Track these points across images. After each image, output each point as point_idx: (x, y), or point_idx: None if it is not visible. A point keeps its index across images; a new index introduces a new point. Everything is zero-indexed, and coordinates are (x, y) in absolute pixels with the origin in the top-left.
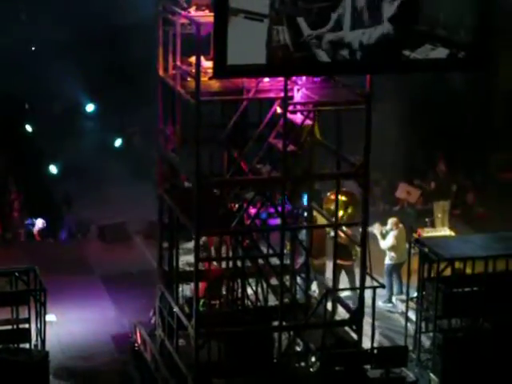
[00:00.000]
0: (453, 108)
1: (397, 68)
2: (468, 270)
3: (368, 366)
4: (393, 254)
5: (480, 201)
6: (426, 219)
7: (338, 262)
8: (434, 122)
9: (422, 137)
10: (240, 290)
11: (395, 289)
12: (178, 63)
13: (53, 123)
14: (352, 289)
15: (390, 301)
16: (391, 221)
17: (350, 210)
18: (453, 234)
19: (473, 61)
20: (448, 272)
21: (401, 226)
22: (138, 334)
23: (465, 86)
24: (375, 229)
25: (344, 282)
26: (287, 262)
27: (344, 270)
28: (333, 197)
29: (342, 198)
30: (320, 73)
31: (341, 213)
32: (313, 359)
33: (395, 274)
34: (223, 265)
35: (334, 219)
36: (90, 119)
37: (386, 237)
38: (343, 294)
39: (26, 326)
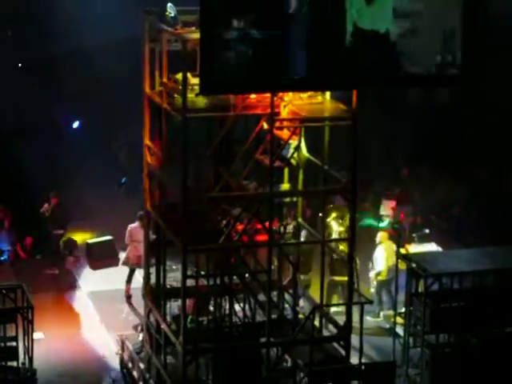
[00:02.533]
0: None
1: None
2: (455, 285)
3: (356, 382)
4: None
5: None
6: (414, 234)
7: (335, 278)
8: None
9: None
10: (228, 307)
11: (387, 304)
12: (165, 80)
13: (41, 141)
14: (340, 304)
15: (378, 316)
16: (380, 234)
17: (347, 222)
18: (440, 249)
19: (460, 76)
20: (435, 287)
21: (389, 241)
22: (126, 351)
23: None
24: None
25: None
26: (275, 277)
27: (341, 286)
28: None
29: (335, 213)
30: (306, 89)
31: (341, 228)
32: (301, 375)
33: (385, 290)
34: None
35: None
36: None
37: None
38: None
39: (14, 343)
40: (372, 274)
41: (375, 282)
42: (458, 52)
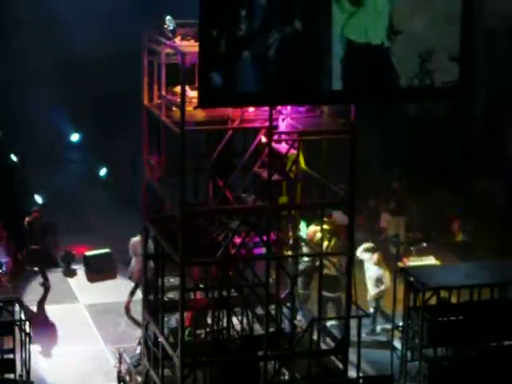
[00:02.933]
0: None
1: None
2: (453, 299)
3: None
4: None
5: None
6: (412, 248)
7: (325, 293)
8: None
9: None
10: (225, 320)
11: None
12: (163, 93)
13: (37, 153)
14: (337, 318)
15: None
16: (377, 257)
17: (333, 242)
18: (438, 262)
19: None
20: (433, 301)
21: (377, 254)
22: (123, 364)
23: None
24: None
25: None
26: (273, 291)
27: (331, 302)
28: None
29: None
30: (305, 102)
31: (326, 243)
32: None
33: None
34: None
35: (320, 248)
36: (75, 149)
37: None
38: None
39: (11, 356)
40: (374, 293)
41: (374, 301)
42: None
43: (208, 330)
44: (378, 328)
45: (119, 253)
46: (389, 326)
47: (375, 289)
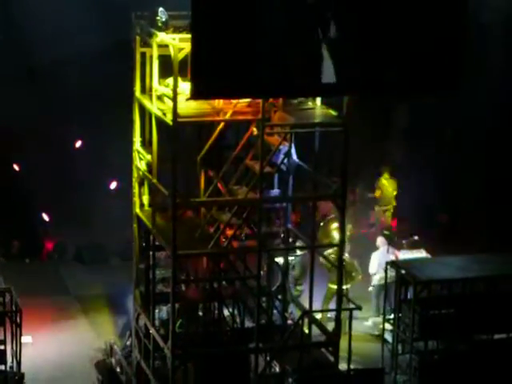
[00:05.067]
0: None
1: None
2: (444, 292)
3: None
4: (378, 275)
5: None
6: (403, 241)
7: (331, 286)
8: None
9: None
10: (217, 312)
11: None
12: (155, 85)
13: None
14: (328, 310)
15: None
16: (380, 239)
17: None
18: (429, 255)
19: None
20: (424, 294)
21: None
22: (114, 356)
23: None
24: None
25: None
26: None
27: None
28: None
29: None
30: (298, 95)
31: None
32: (289, 381)
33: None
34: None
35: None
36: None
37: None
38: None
39: (2, 347)
40: (378, 277)
41: (374, 286)
42: None
43: (199, 322)
44: (370, 321)
45: (112, 244)
46: (380, 319)
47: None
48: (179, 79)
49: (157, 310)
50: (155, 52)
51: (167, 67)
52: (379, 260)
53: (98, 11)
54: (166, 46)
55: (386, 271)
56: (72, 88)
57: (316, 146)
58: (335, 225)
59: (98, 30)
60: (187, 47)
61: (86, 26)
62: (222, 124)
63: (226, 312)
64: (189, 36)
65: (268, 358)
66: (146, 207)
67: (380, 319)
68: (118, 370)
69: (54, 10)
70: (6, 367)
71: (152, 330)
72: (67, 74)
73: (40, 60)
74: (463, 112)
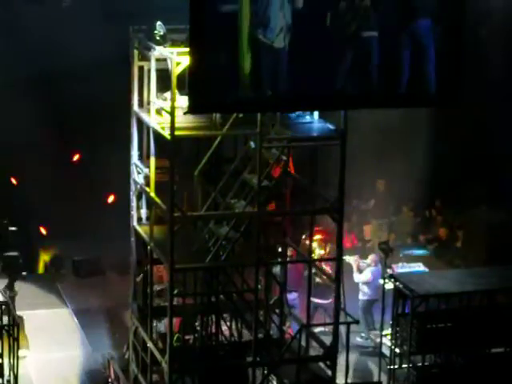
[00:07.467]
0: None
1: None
2: (442, 306)
3: None
4: (366, 289)
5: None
6: (401, 255)
7: (316, 301)
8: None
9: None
10: (214, 326)
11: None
12: (153, 98)
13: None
14: (326, 324)
15: (367, 337)
16: (372, 257)
17: (328, 249)
18: (427, 269)
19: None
20: (422, 308)
21: (379, 265)
22: (112, 369)
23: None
24: (352, 260)
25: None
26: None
27: (322, 309)
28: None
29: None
30: (295, 109)
31: (322, 251)
32: None
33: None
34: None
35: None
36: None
37: (363, 271)
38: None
39: None
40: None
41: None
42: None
43: (197, 335)
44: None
45: (108, 258)
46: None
47: None
48: (177, 93)
49: (154, 324)
50: (153, 66)
51: (165, 81)
52: (373, 275)
53: (99, 24)
54: (164, 59)
55: (383, 285)
56: (71, 101)
57: (314, 160)
58: (317, 237)
59: (98, 43)
60: (185, 61)
61: (87, 38)
62: (219, 137)
63: (223, 326)
64: (187, 50)
65: (266, 372)
66: (144, 221)
67: (372, 333)
68: (115, 383)
69: (55, 23)
70: (3, 381)
71: (149, 344)
72: (66, 87)
73: (40, 73)
74: None
